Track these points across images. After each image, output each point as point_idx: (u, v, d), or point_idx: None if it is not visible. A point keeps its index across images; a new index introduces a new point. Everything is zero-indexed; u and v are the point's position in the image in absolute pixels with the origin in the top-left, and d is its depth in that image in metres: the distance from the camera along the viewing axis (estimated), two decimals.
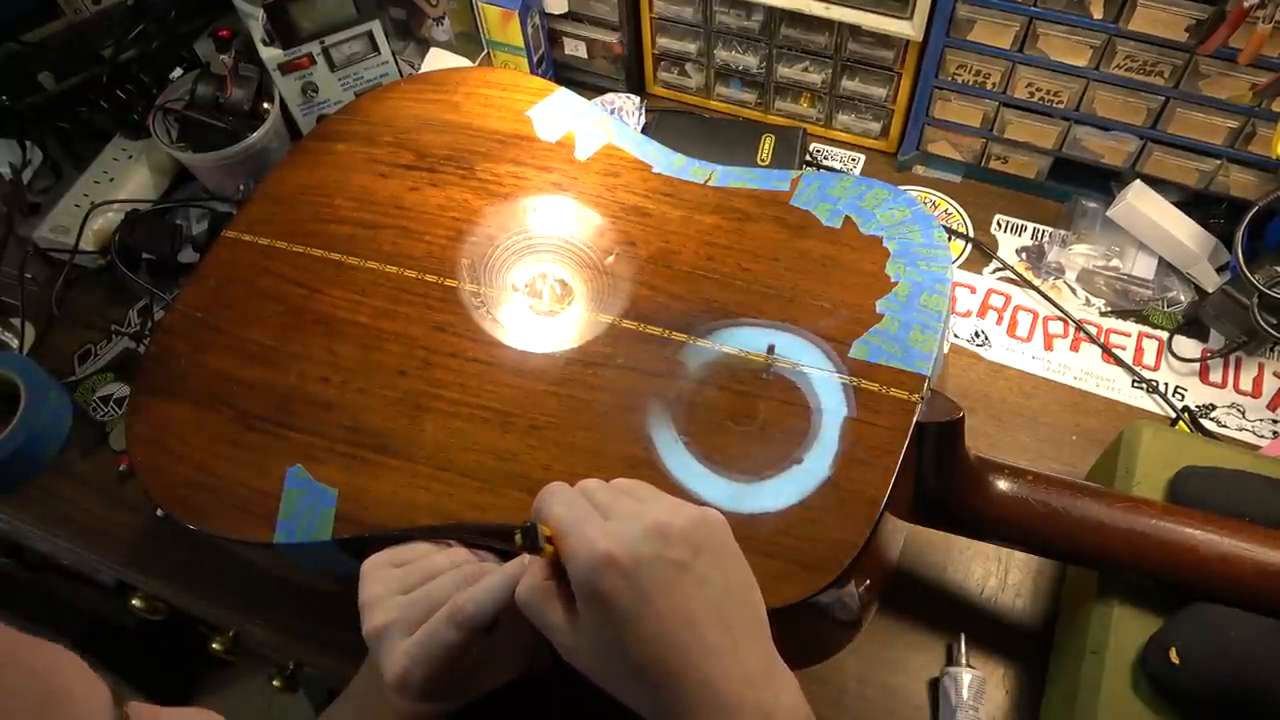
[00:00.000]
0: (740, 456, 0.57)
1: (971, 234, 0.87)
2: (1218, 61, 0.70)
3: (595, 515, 0.44)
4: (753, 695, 0.42)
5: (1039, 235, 0.86)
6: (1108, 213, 0.82)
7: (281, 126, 0.92)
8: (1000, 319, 0.82)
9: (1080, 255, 0.83)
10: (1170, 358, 0.78)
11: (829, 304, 0.63)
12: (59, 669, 0.26)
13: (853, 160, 0.94)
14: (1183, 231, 0.79)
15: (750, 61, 0.92)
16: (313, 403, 0.63)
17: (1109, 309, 0.81)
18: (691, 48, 0.93)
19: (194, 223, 0.93)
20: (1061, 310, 0.81)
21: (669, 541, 0.42)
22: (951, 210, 0.89)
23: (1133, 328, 0.80)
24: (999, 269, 0.85)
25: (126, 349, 0.87)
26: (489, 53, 0.97)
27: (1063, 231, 0.85)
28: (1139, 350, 0.79)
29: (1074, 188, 0.87)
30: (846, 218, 0.67)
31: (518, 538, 0.43)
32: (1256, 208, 0.70)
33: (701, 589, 0.42)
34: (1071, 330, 0.80)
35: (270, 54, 0.86)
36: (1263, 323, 0.70)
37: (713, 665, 0.41)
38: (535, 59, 0.96)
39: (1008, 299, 0.83)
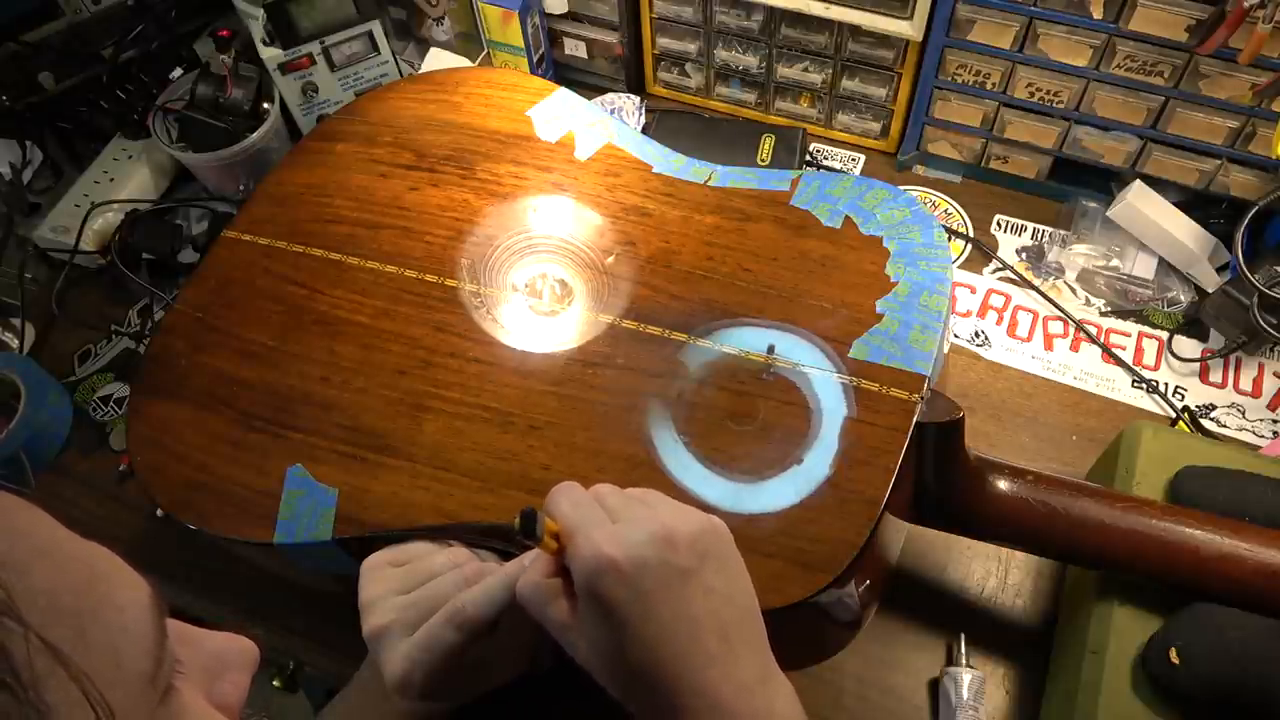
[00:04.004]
0: (740, 457, 0.57)
1: (971, 234, 0.87)
2: (1218, 61, 0.70)
3: (603, 518, 0.44)
4: (748, 703, 0.42)
5: (1039, 235, 0.86)
6: (1108, 213, 0.82)
7: (281, 126, 0.92)
8: (1000, 319, 0.82)
9: (1080, 255, 0.83)
10: (1170, 358, 0.78)
11: (829, 304, 0.63)
12: (103, 557, 0.28)
13: (853, 160, 0.94)
14: (1183, 231, 0.79)
15: (750, 61, 0.92)
16: (313, 403, 0.63)
17: (1109, 309, 0.81)
18: (691, 48, 0.93)
19: (194, 223, 0.93)
20: (1061, 310, 0.81)
21: (674, 548, 0.42)
22: (951, 210, 0.89)
23: (1133, 328, 0.80)
24: (999, 269, 0.85)
25: (126, 349, 0.87)
26: (489, 53, 0.97)
27: (1063, 231, 0.85)
28: (1139, 350, 0.79)
29: (1074, 188, 0.87)
30: (846, 218, 0.67)
31: (516, 522, 0.43)
32: (1256, 208, 0.70)
33: (704, 596, 0.42)
34: (1071, 330, 0.80)
35: (270, 54, 0.86)
36: (1263, 323, 0.70)
37: (710, 672, 0.42)
38: (535, 59, 0.96)
39: (1008, 299, 0.83)
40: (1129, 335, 0.80)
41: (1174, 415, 0.75)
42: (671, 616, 0.41)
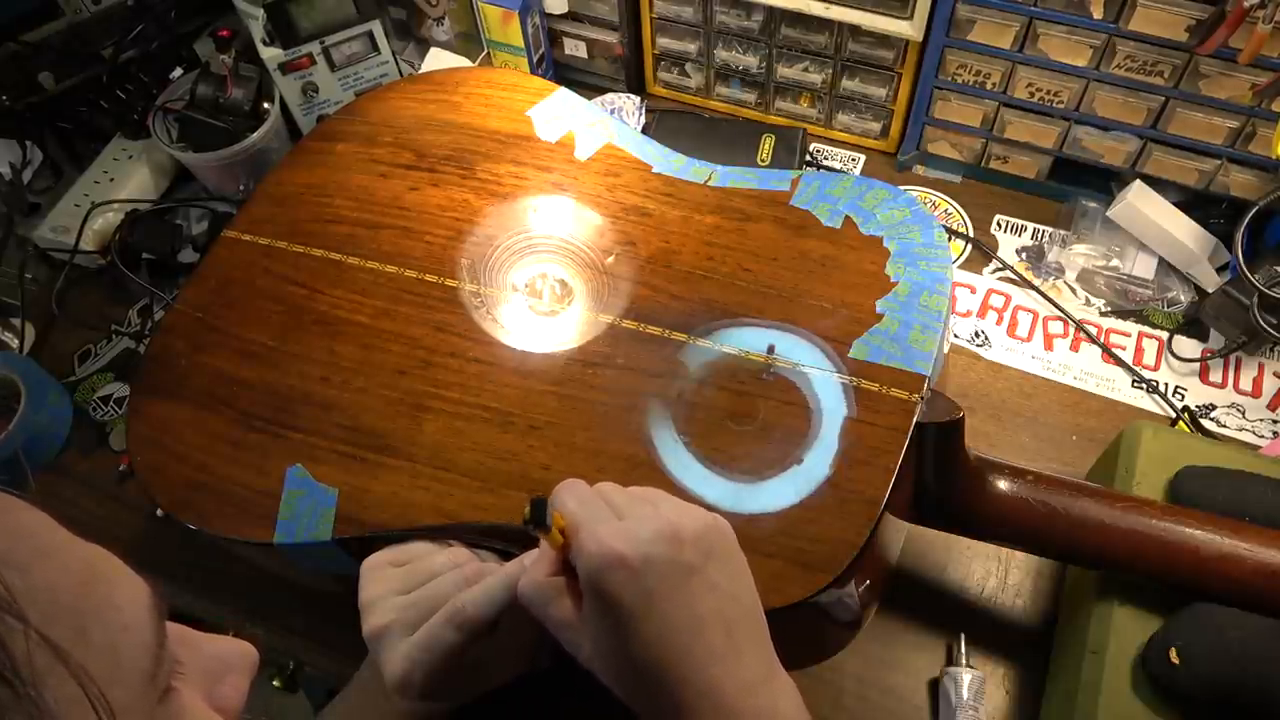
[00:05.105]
0: (740, 457, 0.57)
1: (971, 234, 0.87)
2: (1218, 61, 0.70)
3: (609, 514, 0.44)
4: (751, 702, 0.42)
5: (1039, 235, 0.86)
6: (1108, 213, 0.82)
7: (281, 126, 0.92)
8: (1000, 319, 0.82)
9: (1080, 255, 0.83)
10: (1170, 358, 0.78)
11: (829, 304, 0.63)
12: (103, 558, 0.28)
13: (853, 160, 0.94)
14: (1183, 231, 0.79)
15: (750, 61, 0.92)
16: (313, 403, 0.63)
17: (1109, 309, 0.81)
18: (691, 48, 0.93)
19: (194, 223, 0.93)
20: (1061, 310, 0.81)
21: (680, 544, 0.42)
22: (951, 210, 0.89)
23: (1133, 328, 0.80)
24: (999, 269, 0.85)
25: (126, 349, 0.87)
26: (489, 53, 0.97)
27: (1063, 231, 0.85)
28: (1139, 350, 0.79)
29: (1074, 188, 0.87)
30: (846, 218, 0.67)
31: (526, 510, 0.43)
32: (1256, 208, 0.70)
33: (709, 594, 0.42)
34: (1071, 330, 0.80)
35: (270, 54, 0.86)
36: (1263, 323, 0.70)
37: (714, 670, 0.41)
38: (535, 59, 0.96)
39: (1008, 299, 0.83)
40: (1129, 335, 0.80)
41: (1174, 415, 0.75)
42: (676, 613, 0.41)
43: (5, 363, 0.80)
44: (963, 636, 0.63)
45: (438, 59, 0.95)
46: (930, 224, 0.65)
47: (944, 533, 0.62)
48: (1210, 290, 0.78)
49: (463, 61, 0.95)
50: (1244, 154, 0.75)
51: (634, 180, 0.72)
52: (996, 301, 0.83)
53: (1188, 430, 0.73)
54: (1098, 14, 0.71)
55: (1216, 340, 0.78)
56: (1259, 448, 0.72)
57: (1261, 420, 0.74)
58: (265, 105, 0.90)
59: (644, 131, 0.92)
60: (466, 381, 0.63)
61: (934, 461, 0.57)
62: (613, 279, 0.67)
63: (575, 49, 0.98)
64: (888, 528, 0.56)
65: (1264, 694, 0.50)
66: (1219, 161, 0.77)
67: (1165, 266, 0.82)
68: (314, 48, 0.87)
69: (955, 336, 0.80)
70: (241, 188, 0.91)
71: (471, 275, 0.68)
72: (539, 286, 0.67)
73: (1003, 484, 0.56)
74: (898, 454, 0.55)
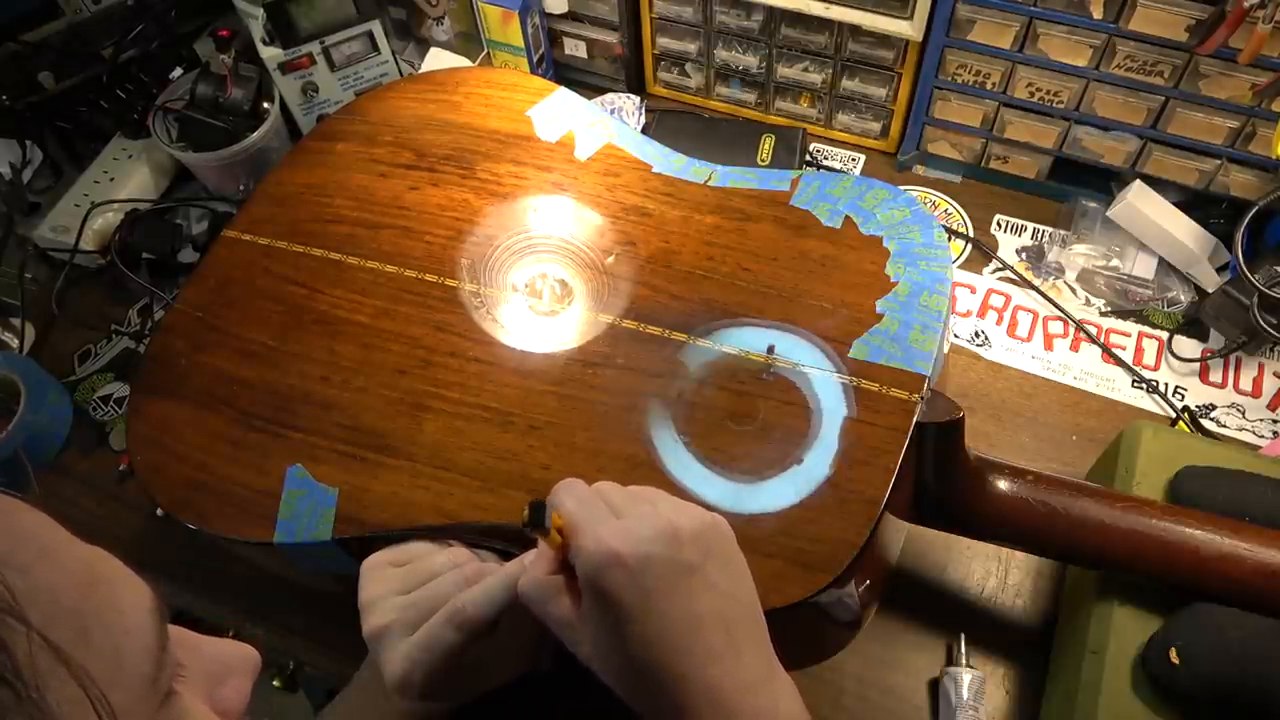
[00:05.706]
0: (740, 457, 0.57)
1: (971, 234, 0.87)
2: (1218, 61, 0.70)
3: (607, 513, 0.44)
4: (751, 701, 0.42)
5: (1039, 235, 0.86)
6: (1108, 213, 0.82)
7: (281, 126, 0.92)
8: (1000, 319, 0.82)
9: (1080, 255, 0.83)
10: (1170, 358, 0.78)
11: (829, 304, 0.63)
12: (104, 560, 0.28)
13: (853, 160, 0.94)
14: (1183, 231, 0.79)
15: (750, 61, 0.92)
16: (313, 402, 0.63)
17: (1109, 309, 0.81)
18: (691, 48, 0.93)
19: (194, 223, 0.93)
20: (1061, 310, 0.81)
21: (679, 543, 0.42)
22: (951, 210, 0.89)
23: (1133, 328, 0.80)
24: (999, 269, 0.85)
25: (126, 349, 0.87)
26: (489, 53, 0.97)
27: (1063, 231, 0.85)
28: (1139, 350, 0.79)
29: (1074, 188, 0.87)
30: (846, 218, 0.67)
31: (525, 513, 0.43)
32: (1256, 208, 0.70)
33: (708, 592, 0.42)
34: (1071, 330, 0.80)
35: (270, 54, 0.86)
36: (1263, 323, 0.70)
37: (713, 669, 0.41)
38: (535, 59, 0.96)
39: (1008, 299, 0.83)
40: (1129, 335, 0.80)
41: (1174, 415, 0.75)
42: (675, 612, 0.41)
43: (5, 363, 0.80)
44: (963, 636, 0.63)
45: (438, 59, 0.95)
46: (930, 224, 0.65)
47: (944, 533, 0.62)
48: (1210, 290, 0.78)
49: (463, 61, 0.95)
50: (1244, 154, 0.75)
51: (634, 180, 0.72)
52: (996, 301, 0.83)
53: (1188, 430, 0.73)
54: (1098, 14, 0.71)
55: (1216, 340, 0.78)
56: (1259, 448, 0.72)
57: (1261, 420, 0.74)
58: (265, 105, 0.90)
59: (644, 131, 0.92)
60: (466, 381, 0.63)
61: (934, 461, 0.57)
62: (613, 279, 0.67)
63: (575, 49, 0.98)
64: (888, 528, 0.56)
65: (1264, 694, 0.50)
66: (1219, 161, 0.77)
67: (1165, 266, 0.82)
68: (314, 48, 0.87)
69: (955, 336, 0.80)
70: (241, 188, 0.91)
71: (471, 275, 0.68)
72: (539, 286, 0.67)
73: (1003, 484, 0.56)
74: (898, 454, 0.55)
